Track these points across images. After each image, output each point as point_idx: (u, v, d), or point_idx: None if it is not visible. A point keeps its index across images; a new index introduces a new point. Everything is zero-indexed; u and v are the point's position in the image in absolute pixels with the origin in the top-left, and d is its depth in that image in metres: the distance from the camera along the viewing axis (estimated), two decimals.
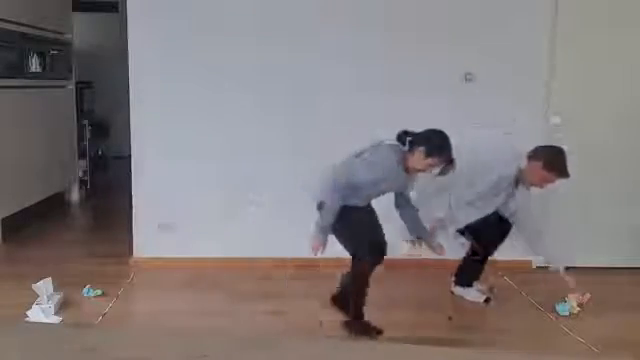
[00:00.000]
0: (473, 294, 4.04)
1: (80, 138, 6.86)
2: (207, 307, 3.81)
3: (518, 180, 3.81)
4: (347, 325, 3.44)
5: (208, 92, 4.38)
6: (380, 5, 4.38)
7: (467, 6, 4.42)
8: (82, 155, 6.91)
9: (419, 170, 3.36)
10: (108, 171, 8.10)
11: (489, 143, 4.17)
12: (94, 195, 6.95)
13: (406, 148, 3.30)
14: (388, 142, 3.34)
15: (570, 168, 3.66)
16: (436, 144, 3.28)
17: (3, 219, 5.08)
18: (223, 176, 4.44)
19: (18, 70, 5.36)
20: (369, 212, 3.46)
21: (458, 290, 4.08)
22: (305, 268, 4.33)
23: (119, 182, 6.04)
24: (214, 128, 4.43)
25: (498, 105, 4.46)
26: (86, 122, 7.12)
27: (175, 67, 4.35)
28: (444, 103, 4.43)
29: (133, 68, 4.34)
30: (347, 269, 3.45)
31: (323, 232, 3.33)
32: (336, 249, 3.41)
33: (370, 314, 3.51)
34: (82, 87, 7.20)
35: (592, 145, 4.52)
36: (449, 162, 3.28)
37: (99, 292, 3.89)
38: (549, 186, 3.79)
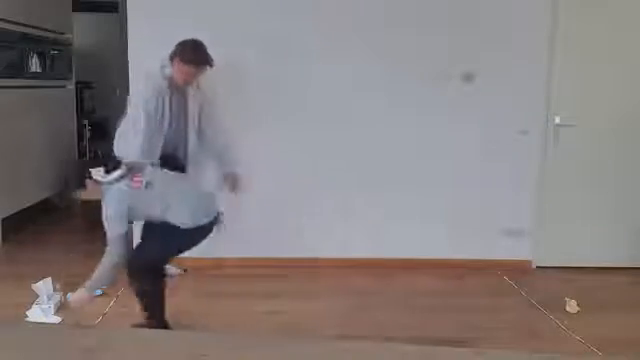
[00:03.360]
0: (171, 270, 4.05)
1: (80, 138, 6.86)
2: (207, 307, 3.81)
3: (173, 87, 3.73)
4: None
5: None
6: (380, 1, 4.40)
7: (467, 6, 4.42)
8: (82, 155, 6.91)
9: None
10: None
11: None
12: (94, 195, 6.94)
13: None
14: None
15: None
16: None
17: (3, 219, 5.08)
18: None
19: (18, 70, 5.36)
20: None
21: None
22: (298, 268, 4.35)
23: None
24: None
25: (498, 104, 4.47)
26: (86, 122, 7.12)
27: None
28: (444, 101, 4.44)
29: (133, 68, 4.34)
30: None
31: None
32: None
33: (370, 315, 3.51)
34: (82, 87, 7.20)
35: (592, 145, 4.53)
36: None
37: (99, 292, 3.88)
38: (193, 78, 3.73)
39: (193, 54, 3.65)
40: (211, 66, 3.69)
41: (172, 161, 3.73)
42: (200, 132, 3.89)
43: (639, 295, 4.27)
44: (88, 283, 3.14)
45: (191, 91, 3.84)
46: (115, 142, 3.74)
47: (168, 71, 3.71)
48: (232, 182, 3.92)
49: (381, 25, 4.37)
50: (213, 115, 3.94)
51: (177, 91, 3.75)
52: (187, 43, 3.68)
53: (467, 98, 4.44)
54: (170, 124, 3.73)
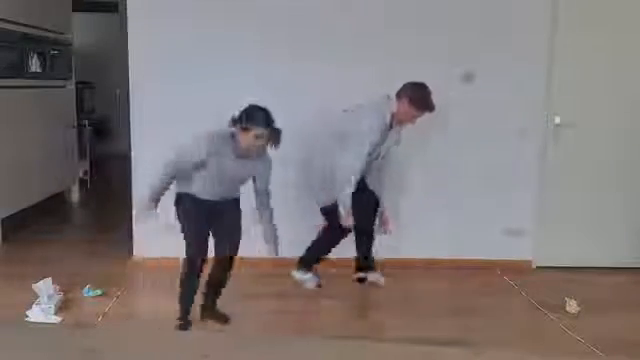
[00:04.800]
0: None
1: (80, 138, 6.87)
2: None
3: (391, 124, 3.88)
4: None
5: (208, 92, 4.38)
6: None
7: (467, 6, 4.42)
8: (82, 155, 6.91)
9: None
10: (108, 171, 8.10)
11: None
12: (94, 195, 6.95)
13: None
14: None
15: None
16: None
17: (3, 219, 5.07)
18: None
19: (18, 70, 5.36)
20: None
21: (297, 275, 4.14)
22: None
23: (119, 182, 6.04)
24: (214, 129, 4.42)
25: (497, 104, 4.47)
26: (86, 122, 7.13)
27: (175, 67, 4.34)
28: (442, 101, 4.43)
29: (133, 68, 4.34)
30: None
31: None
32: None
33: (370, 315, 3.51)
34: (82, 87, 7.21)
35: (592, 145, 4.53)
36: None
37: (99, 292, 3.89)
38: (418, 120, 3.89)
39: (424, 101, 3.79)
40: (431, 112, 3.82)
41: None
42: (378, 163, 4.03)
43: (639, 295, 4.27)
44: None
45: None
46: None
47: (393, 106, 3.83)
48: (385, 220, 4.11)
49: (381, 25, 4.37)
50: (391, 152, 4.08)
51: (390, 125, 3.88)
52: (424, 89, 3.81)
53: (467, 98, 4.43)
54: (370, 154, 3.86)
